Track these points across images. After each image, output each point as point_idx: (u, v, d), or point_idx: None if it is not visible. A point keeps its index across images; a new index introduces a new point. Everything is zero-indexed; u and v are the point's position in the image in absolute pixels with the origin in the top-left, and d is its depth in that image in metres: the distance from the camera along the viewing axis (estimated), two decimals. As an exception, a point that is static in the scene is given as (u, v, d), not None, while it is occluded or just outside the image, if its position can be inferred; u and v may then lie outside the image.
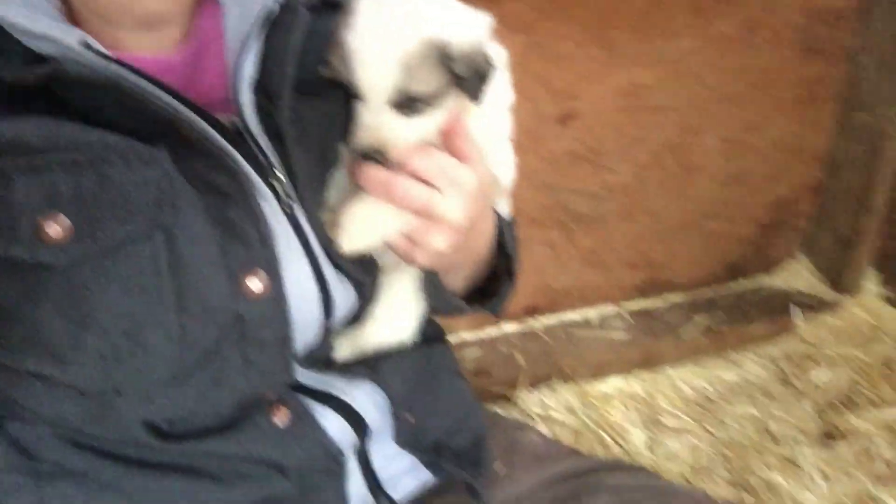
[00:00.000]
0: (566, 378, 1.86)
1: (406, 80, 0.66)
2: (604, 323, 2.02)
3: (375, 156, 0.70)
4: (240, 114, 0.71)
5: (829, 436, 1.82)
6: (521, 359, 1.83)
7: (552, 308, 1.97)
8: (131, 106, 0.63)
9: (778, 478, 1.68)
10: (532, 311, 1.94)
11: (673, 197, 1.98)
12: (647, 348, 1.98)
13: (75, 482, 0.73)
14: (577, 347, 1.91)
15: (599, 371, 1.91)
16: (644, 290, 2.10)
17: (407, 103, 0.67)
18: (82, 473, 0.74)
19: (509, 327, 1.93)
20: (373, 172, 0.70)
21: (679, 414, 1.86)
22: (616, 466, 1.01)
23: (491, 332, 1.91)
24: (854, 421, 1.83)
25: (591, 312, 2.04)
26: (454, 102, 0.71)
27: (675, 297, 2.16)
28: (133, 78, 0.63)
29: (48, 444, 0.73)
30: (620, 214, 1.93)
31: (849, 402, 1.91)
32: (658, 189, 1.95)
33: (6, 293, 0.62)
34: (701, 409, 1.89)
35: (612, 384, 1.91)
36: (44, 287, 0.62)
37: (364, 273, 0.78)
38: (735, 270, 2.25)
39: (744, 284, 2.27)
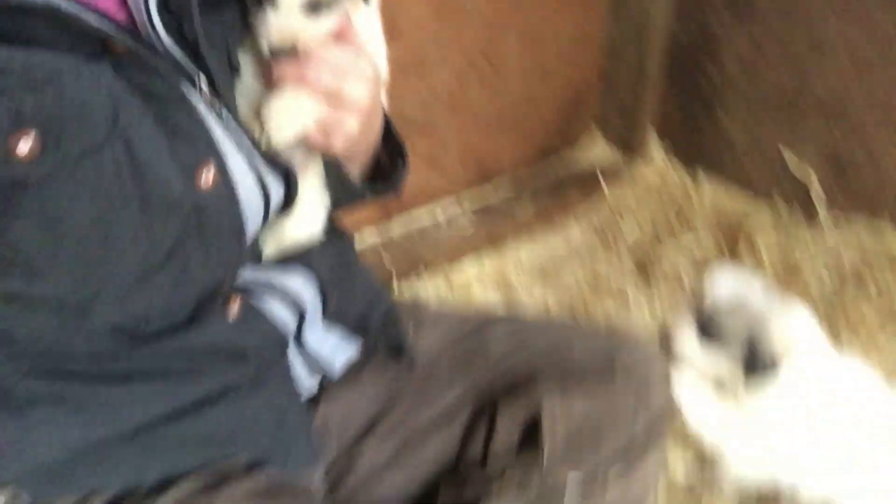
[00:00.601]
0: (429, 269, 1.98)
1: None
2: (450, 216, 2.14)
3: (286, 53, 0.75)
4: (148, 35, 0.73)
5: (647, 273, 2.08)
6: (387, 259, 1.92)
7: (400, 209, 2.07)
8: (67, 28, 0.63)
9: (614, 311, 1.93)
10: (387, 216, 2.03)
11: (489, 94, 2.12)
12: (490, 232, 2.14)
13: (53, 406, 0.75)
14: (432, 242, 2.03)
15: (455, 258, 2.04)
16: (477, 182, 2.25)
17: (313, 7, 0.73)
18: (57, 397, 0.75)
19: (370, 236, 2.01)
20: (286, 65, 0.76)
21: (526, 282, 2.05)
22: (507, 312, 1.14)
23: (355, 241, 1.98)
24: (663, 257, 2.09)
25: (438, 208, 2.15)
26: (346, 4, 0.78)
27: (504, 184, 2.33)
28: (65, 3, 0.63)
29: (13, 380, 0.73)
30: (448, 116, 2.04)
31: (656, 243, 2.18)
32: (476, 88, 2.07)
33: None
34: (543, 275, 2.09)
35: (468, 268, 2.05)
36: (19, 205, 0.62)
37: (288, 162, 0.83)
38: (547, 152, 2.45)
39: (556, 164, 2.48)
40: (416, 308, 1.14)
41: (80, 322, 0.71)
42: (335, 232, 1.02)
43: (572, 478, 0.93)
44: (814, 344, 1.17)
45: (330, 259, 0.98)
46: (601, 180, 2.39)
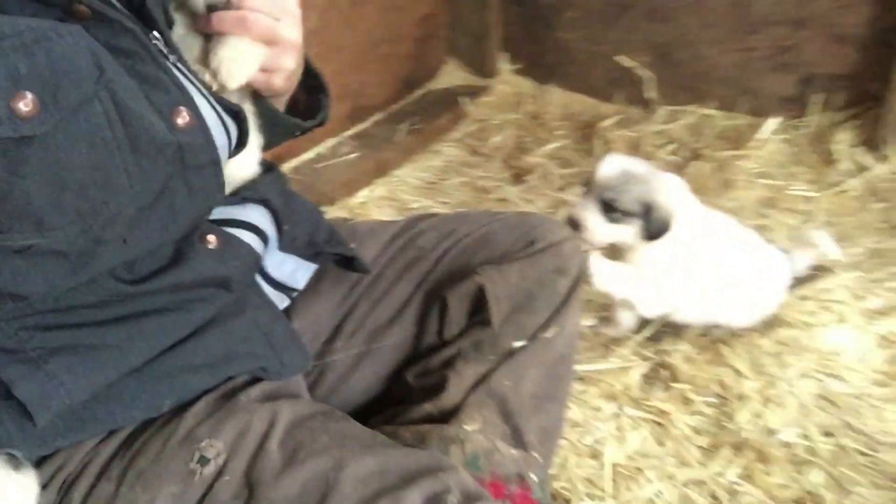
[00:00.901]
0: (330, 202, 2.03)
1: None
2: (336, 152, 2.19)
3: (221, 5, 0.79)
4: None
5: (519, 176, 2.24)
6: (287, 199, 1.94)
7: (292, 153, 2.10)
8: None
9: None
10: (278, 160, 2.05)
11: (352, 31, 2.15)
12: (376, 161, 2.21)
13: (67, 355, 0.76)
14: (325, 177, 2.07)
15: (351, 189, 2.11)
16: (354, 118, 2.30)
17: None
18: (69, 346, 0.77)
19: (267, 179, 2.02)
20: (226, 15, 0.80)
21: (417, 199, 2.15)
22: (431, 214, 1.24)
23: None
24: (530, 160, 2.26)
25: (323, 147, 2.19)
26: None
27: (378, 116, 2.39)
28: None
29: (24, 336, 0.75)
30: (318, 57, 2.04)
31: (522, 150, 2.33)
32: (339, 27, 2.10)
33: None
34: (430, 191, 2.20)
35: (363, 195, 2.12)
36: (27, 161, 0.64)
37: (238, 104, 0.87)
38: (412, 83, 2.53)
39: (420, 91, 2.57)
40: (347, 224, 1.22)
41: (85, 269, 0.73)
42: (268, 166, 1.07)
43: (520, 343, 1.06)
44: (688, 204, 1.37)
45: (277, 188, 1.03)
46: (464, 102, 2.51)
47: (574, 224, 1.34)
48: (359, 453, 0.80)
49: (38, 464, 0.80)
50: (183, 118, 0.76)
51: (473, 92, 2.59)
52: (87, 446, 0.81)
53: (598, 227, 1.33)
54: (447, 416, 1.01)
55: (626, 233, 1.34)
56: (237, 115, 0.88)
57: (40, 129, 0.64)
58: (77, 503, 0.79)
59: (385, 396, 1.11)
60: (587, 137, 2.33)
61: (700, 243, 1.37)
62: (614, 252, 1.42)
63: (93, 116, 0.68)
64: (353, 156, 2.17)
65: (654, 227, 1.31)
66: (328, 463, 0.78)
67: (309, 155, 2.15)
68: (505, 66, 2.68)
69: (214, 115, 0.82)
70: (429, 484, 0.76)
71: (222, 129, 0.84)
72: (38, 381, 0.75)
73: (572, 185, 2.14)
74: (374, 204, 2.08)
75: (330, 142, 2.21)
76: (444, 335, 1.08)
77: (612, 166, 1.32)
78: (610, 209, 1.32)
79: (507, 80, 2.66)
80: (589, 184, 1.36)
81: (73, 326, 0.78)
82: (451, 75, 2.69)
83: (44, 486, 0.79)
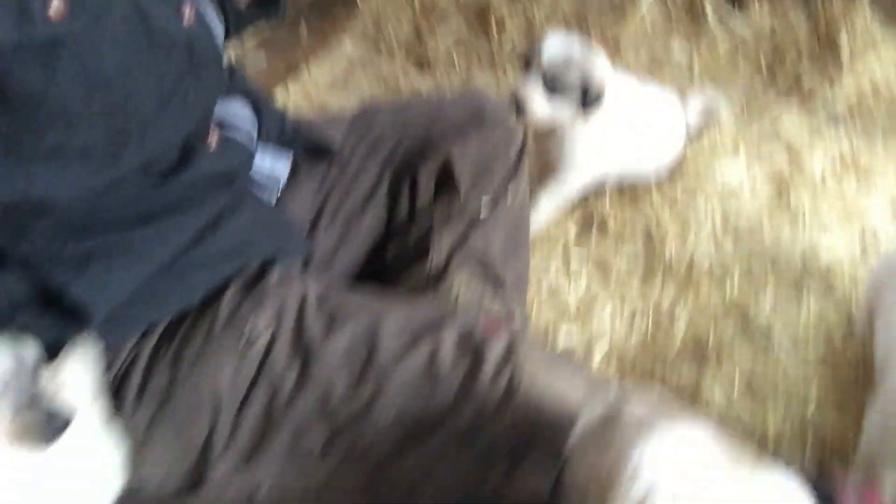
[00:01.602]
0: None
1: None
2: (243, 60, 2.11)
3: None
4: None
5: (423, 65, 2.24)
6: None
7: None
8: None
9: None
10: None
11: None
12: (286, 62, 2.17)
13: (102, 256, 0.80)
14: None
15: (266, 93, 2.06)
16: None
17: None
18: (102, 250, 0.80)
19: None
20: None
21: (333, 96, 2.13)
22: (378, 102, 1.28)
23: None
24: (431, 48, 2.26)
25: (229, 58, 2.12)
26: None
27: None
28: None
29: (57, 247, 0.77)
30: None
31: (419, 37, 2.32)
32: None
33: (32, 79, 0.66)
34: (342, 87, 2.18)
35: (280, 98, 2.07)
36: (59, 62, 0.67)
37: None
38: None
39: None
40: (301, 120, 1.25)
41: (109, 169, 0.76)
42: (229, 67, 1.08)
43: (484, 200, 1.16)
44: (612, 76, 1.48)
45: (248, 86, 1.05)
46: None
47: (517, 101, 1.42)
48: (387, 310, 0.89)
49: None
50: (190, 14, 0.78)
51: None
52: (130, 343, 0.85)
53: (540, 105, 1.41)
54: (433, 281, 1.11)
55: (564, 108, 1.43)
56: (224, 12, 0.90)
57: (69, 31, 0.66)
58: (132, 396, 0.83)
59: (362, 276, 1.19)
60: (481, 20, 2.36)
61: (622, 107, 1.50)
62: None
63: (115, 18, 0.70)
64: (261, 58, 2.11)
65: (590, 102, 1.41)
66: (365, 320, 0.86)
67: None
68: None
69: (210, 11, 0.84)
70: (456, 325, 0.87)
71: (219, 22, 0.85)
72: (84, 282, 0.79)
73: (477, 67, 2.20)
74: (293, 105, 2.05)
75: (230, 52, 2.14)
76: (416, 208, 1.15)
77: (553, 47, 1.39)
78: (552, 88, 1.40)
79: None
80: (529, 63, 1.43)
81: (102, 230, 0.81)
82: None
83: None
